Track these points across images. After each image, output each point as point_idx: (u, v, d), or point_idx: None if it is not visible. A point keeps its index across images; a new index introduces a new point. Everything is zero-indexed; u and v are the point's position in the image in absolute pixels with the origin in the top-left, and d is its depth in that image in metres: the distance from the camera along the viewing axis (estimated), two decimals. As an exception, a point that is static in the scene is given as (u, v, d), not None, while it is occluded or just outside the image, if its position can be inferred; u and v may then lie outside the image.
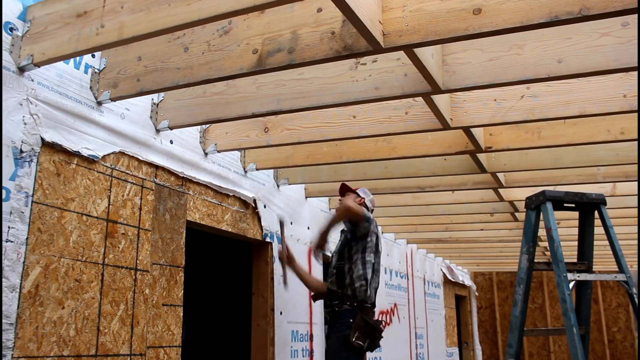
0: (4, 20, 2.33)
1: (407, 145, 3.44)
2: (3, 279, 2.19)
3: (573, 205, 3.82)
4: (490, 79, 2.31)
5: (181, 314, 3.14)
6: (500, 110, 2.76)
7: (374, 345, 3.43)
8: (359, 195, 3.81)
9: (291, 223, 4.33)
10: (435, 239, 7.03)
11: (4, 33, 2.33)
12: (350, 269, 3.50)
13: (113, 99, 2.71)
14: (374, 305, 3.54)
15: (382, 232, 6.41)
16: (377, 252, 3.60)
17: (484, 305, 11.38)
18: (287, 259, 3.87)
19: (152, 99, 3.07)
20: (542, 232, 3.81)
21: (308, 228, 4.64)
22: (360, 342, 3.31)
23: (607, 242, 3.75)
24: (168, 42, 2.51)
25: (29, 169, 2.34)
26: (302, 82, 2.66)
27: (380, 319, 5.91)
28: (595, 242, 3.88)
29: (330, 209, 5.15)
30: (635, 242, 6.02)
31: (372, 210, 3.89)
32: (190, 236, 3.35)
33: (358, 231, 3.53)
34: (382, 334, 3.51)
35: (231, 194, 3.70)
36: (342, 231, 3.77)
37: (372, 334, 3.39)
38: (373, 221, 3.62)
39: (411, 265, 7.36)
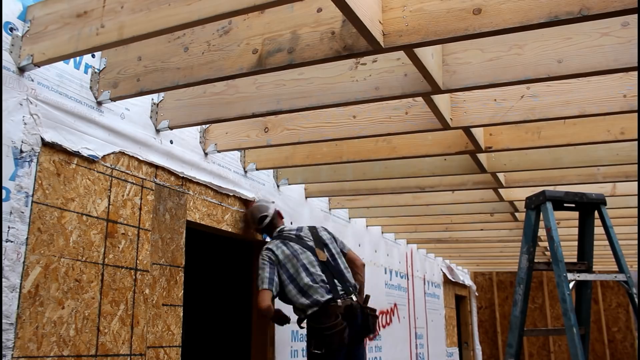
0: (4, 20, 2.33)
1: (407, 145, 3.44)
2: (3, 279, 2.19)
3: (573, 205, 3.82)
4: (490, 79, 2.31)
5: (181, 314, 3.14)
6: (500, 110, 2.76)
7: (334, 344, 3.23)
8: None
9: (291, 223, 4.33)
10: (435, 239, 7.03)
11: (4, 33, 2.33)
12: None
13: (113, 99, 2.71)
14: (318, 304, 3.32)
15: (383, 232, 6.41)
16: (290, 270, 3.46)
17: (484, 305, 11.38)
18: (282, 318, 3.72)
19: (152, 99, 3.07)
20: (542, 232, 3.81)
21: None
22: (317, 351, 3.25)
23: (607, 242, 3.74)
24: (168, 42, 2.50)
25: (29, 169, 2.34)
26: (302, 82, 2.66)
27: (379, 318, 5.90)
28: (595, 242, 3.88)
29: (330, 209, 5.16)
30: (635, 242, 6.02)
31: (266, 217, 3.72)
32: (190, 236, 3.35)
33: None
34: (342, 329, 3.25)
35: (231, 194, 3.70)
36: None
37: (323, 337, 3.24)
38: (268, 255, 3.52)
39: (411, 265, 7.36)
